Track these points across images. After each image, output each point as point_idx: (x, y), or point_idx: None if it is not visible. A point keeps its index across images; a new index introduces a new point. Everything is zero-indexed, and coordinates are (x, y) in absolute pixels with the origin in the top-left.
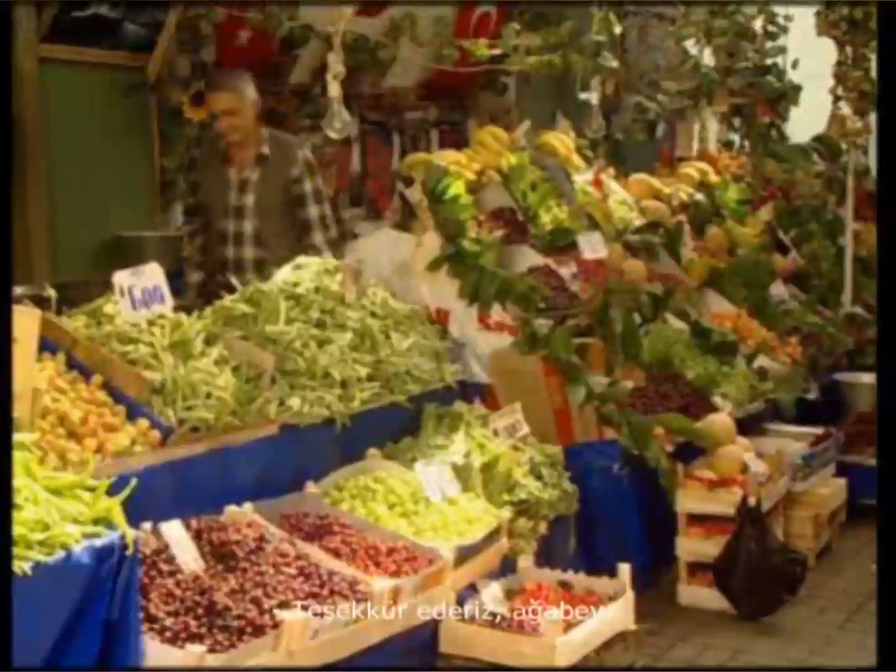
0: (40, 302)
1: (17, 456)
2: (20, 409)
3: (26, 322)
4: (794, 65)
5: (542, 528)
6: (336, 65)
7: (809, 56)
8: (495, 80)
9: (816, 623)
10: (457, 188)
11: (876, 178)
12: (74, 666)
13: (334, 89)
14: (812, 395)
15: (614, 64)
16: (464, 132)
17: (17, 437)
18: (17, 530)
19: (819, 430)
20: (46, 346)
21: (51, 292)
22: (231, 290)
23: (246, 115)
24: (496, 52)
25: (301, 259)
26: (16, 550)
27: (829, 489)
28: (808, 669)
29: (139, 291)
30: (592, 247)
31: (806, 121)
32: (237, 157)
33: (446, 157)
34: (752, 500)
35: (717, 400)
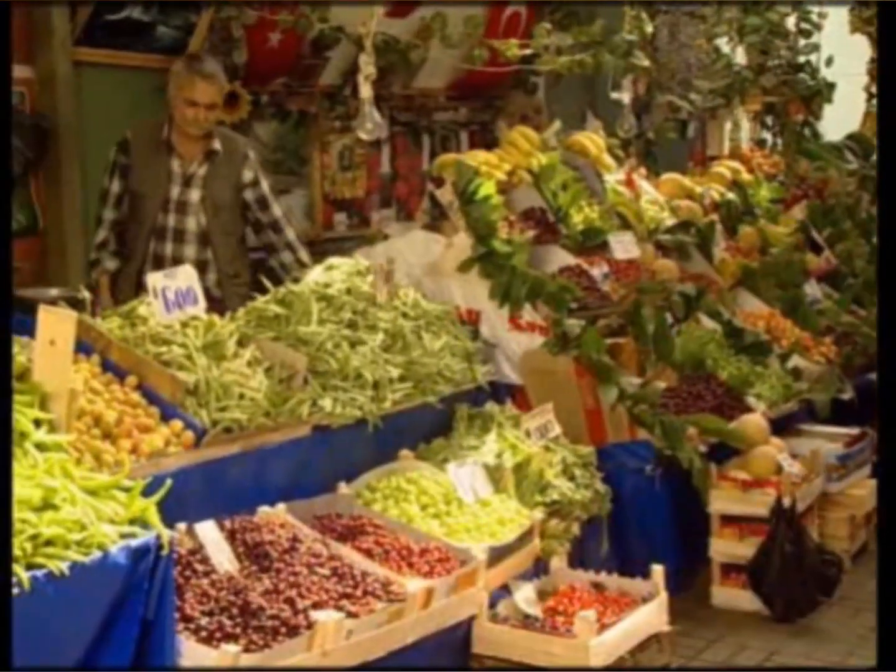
0: (75, 304)
1: (54, 457)
2: (56, 411)
3: (62, 324)
4: (828, 62)
5: (575, 529)
6: (367, 66)
7: (843, 53)
8: (525, 80)
9: (851, 625)
10: (487, 189)
11: (877, 178)
12: (110, 666)
13: (366, 91)
14: (847, 395)
15: (646, 63)
16: (493, 132)
17: (54, 437)
18: (55, 530)
19: (854, 431)
20: (81, 347)
21: (86, 294)
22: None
23: (218, 110)
24: (527, 51)
25: (333, 260)
26: (53, 550)
27: (865, 490)
28: (805, 669)
29: (172, 293)
30: (624, 247)
31: (840, 119)
32: (184, 150)
33: (476, 158)
34: (786, 501)
35: (751, 400)
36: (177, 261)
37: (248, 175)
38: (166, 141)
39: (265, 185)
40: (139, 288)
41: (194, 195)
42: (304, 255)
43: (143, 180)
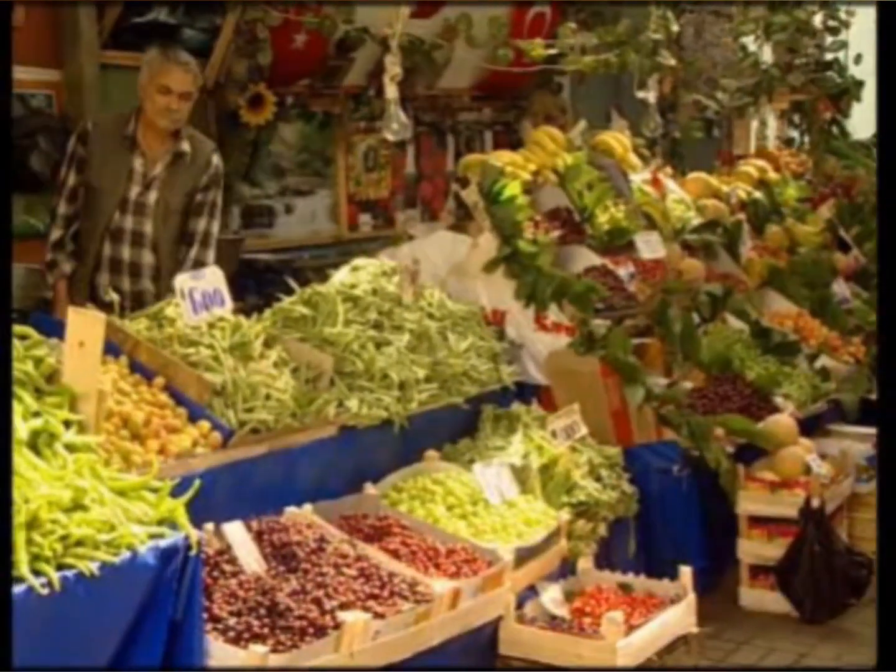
0: (103, 305)
1: (84, 458)
2: (85, 412)
3: (91, 326)
4: (857, 60)
5: (602, 529)
6: (393, 67)
7: (872, 51)
8: (550, 80)
9: None
10: (513, 189)
11: (877, 178)
12: (140, 666)
13: (391, 91)
14: (876, 395)
15: (672, 62)
16: (518, 132)
17: (84, 438)
18: (85, 531)
19: None
20: (109, 349)
21: (113, 296)
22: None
23: (190, 103)
24: (552, 51)
25: (358, 261)
26: (83, 551)
27: None
28: (801, 669)
29: (199, 294)
30: (650, 246)
31: (868, 117)
32: (149, 148)
33: (502, 158)
34: (815, 502)
35: (779, 400)
36: (135, 266)
37: (205, 179)
38: (131, 137)
39: (210, 195)
40: (93, 291)
41: (151, 197)
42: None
43: (101, 175)
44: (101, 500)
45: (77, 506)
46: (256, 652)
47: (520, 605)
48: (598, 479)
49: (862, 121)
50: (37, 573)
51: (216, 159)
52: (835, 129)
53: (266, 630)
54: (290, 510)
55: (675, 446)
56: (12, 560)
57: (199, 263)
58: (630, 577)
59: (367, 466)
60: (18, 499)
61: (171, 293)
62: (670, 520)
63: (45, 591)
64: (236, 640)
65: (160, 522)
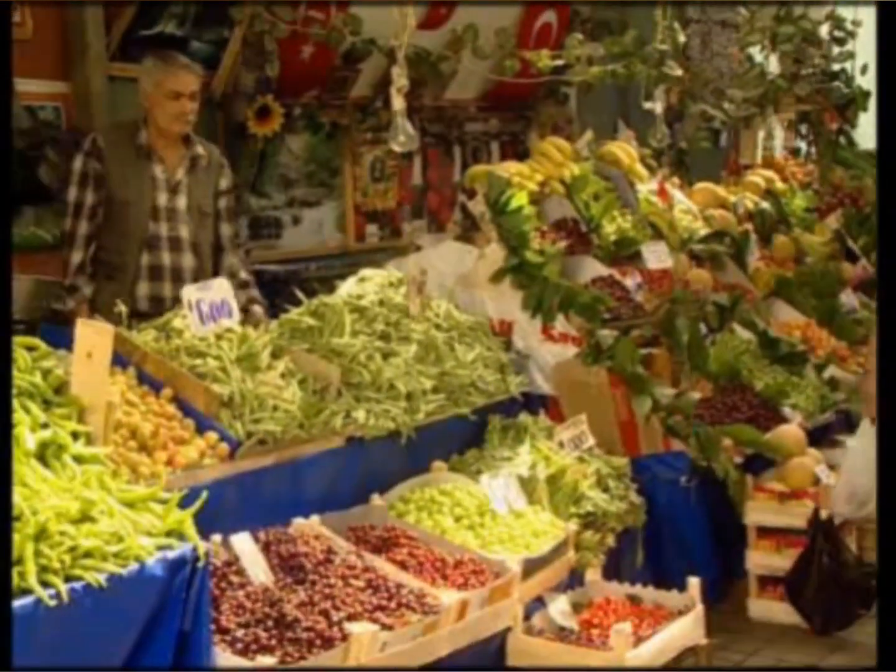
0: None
1: (92, 469)
2: (94, 423)
3: (99, 337)
4: (864, 70)
5: (610, 540)
6: (400, 78)
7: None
8: (557, 91)
9: None
10: (519, 199)
11: (877, 178)
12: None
13: (398, 103)
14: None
15: (678, 72)
16: (525, 143)
17: (92, 450)
18: (93, 542)
19: None
20: (117, 360)
21: (121, 307)
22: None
23: (198, 102)
24: (558, 62)
25: (365, 271)
26: (91, 562)
27: None
28: (800, 669)
29: (206, 306)
30: (657, 257)
31: (875, 127)
32: (164, 154)
33: (508, 169)
34: (824, 513)
35: (787, 411)
36: (176, 271)
37: (224, 183)
38: (146, 145)
39: (234, 200)
40: (135, 303)
41: (181, 202)
42: (245, 275)
43: (125, 187)
44: (109, 511)
45: (85, 517)
46: (264, 663)
47: (527, 616)
48: (606, 489)
49: (869, 131)
50: (45, 585)
51: (225, 161)
52: (842, 139)
53: (274, 642)
54: (298, 521)
55: (683, 457)
56: (12, 560)
57: (233, 268)
58: (638, 589)
59: (374, 477)
60: (27, 510)
61: None
62: (678, 530)
63: (53, 603)
64: (244, 652)
65: (168, 534)
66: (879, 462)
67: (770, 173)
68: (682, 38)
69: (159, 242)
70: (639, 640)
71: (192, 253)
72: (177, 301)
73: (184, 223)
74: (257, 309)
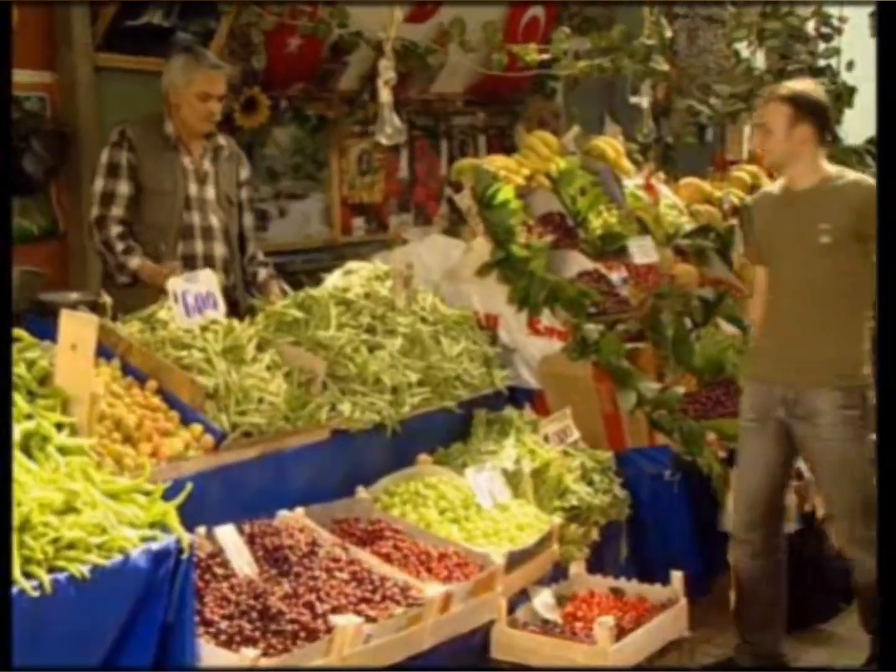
0: (95, 308)
1: (76, 461)
2: (78, 414)
3: (84, 328)
4: (849, 66)
5: (594, 534)
6: (387, 71)
7: (864, 57)
8: (544, 85)
9: None
10: (506, 193)
11: (876, 179)
12: (131, 667)
13: (385, 95)
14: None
15: (665, 67)
16: (512, 137)
17: (76, 441)
18: (76, 534)
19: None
20: (102, 351)
21: (106, 299)
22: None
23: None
24: (545, 56)
25: (351, 264)
26: (75, 553)
27: None
28: (800, 669)
29: (192, 297)
30: (643, 251)
31: (860, 123)
32: (191, 145)
33: (495, 163)
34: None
35: None
36: (208, 259)
37: (244, 173)
38: (174, 136)
39: (251, 191)
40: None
41: (210, 192)
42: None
43: (159, 179)
44: (93, 502)
45: (69, 508)
46: (248, 655)
47: (511, 609)
48: (591, 483)
49: (853, 127)
50: (28, 576)
51: (242, 153)
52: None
53: (258, 633)
54: (283, 514)
55: (668, 451)
56: (12, 561)
57: (256, 256)
58: (622, 582)
59: (359, 470)
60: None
61: (243, 285)
62: (662, 524)
63: (36, 594)
64: (228, 644)
65: (152, 525)
66: (880, 461)
67: (756, 169)
68: (668, 34)
69: (192, 232)
70: (622, 633)
71: (223, 242)
72: None
73: (213, 212)
74: (276, 286)
